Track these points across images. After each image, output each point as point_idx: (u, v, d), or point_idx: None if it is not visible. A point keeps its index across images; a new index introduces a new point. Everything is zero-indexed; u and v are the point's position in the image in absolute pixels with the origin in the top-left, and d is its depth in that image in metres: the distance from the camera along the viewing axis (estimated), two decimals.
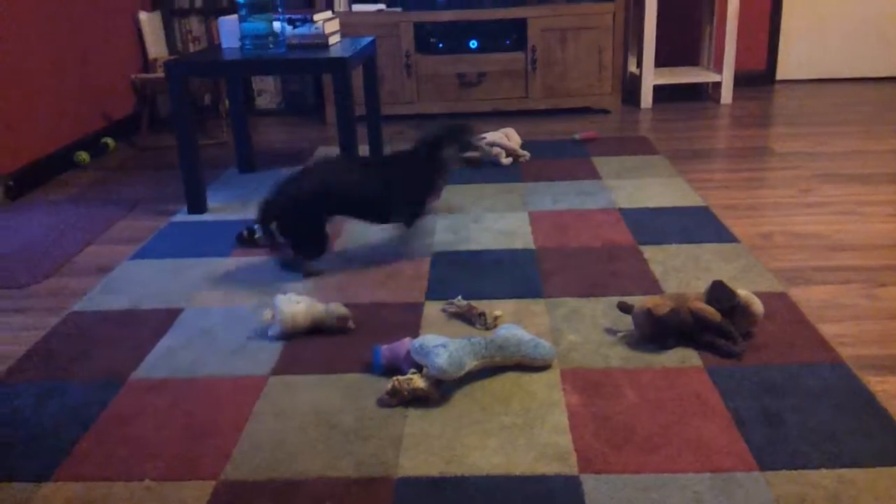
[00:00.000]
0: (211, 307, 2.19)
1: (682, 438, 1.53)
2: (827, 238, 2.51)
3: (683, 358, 1.82)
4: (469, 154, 2.60)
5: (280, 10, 2.87)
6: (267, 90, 4.73)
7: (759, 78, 4.95)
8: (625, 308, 1.93)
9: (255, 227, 2.58)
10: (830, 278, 2.22)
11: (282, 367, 1.86)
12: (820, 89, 4.78)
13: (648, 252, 2.43)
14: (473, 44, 4.29)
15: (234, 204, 3.05)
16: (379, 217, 2.46)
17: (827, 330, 1.92)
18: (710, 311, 1.83)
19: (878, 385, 1.69)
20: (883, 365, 1.77)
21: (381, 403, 1.69)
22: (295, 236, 2.35)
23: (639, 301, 1.93)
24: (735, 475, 1.42)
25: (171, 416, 1.68)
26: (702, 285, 2.13)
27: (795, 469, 1.43)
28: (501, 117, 4.32)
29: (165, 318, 2.13)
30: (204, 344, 1.99)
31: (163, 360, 1.91)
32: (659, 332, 1.85)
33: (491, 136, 3.46)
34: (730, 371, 1.75)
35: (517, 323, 1.99)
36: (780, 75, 4.99)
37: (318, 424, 1.63)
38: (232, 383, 1.80)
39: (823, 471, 1.42)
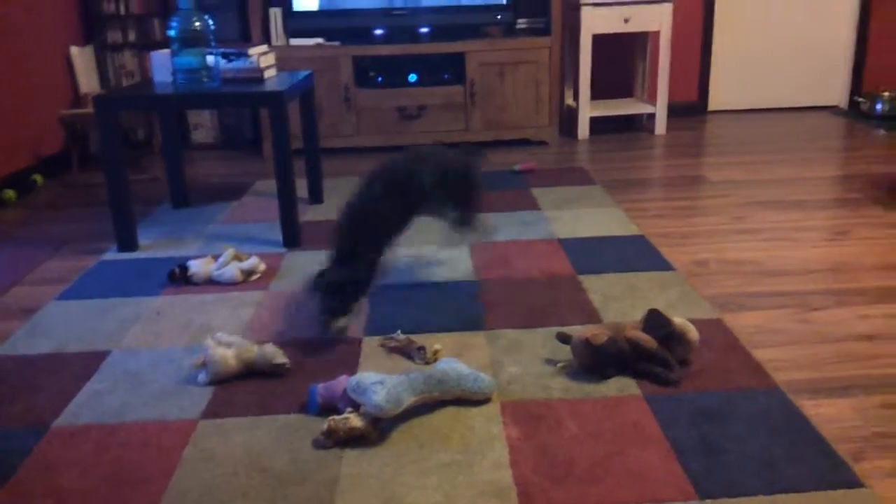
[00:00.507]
0: (139, 349, 2.11)
1: (622, 469, 1.52)
2: (760, 264, 2.56)
3: (623, 387, 1.81)
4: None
5: (214, 44, 2.83)
6: (203, 124, 4.65)
7: (691, 109, 5.09)
8: (564, 338, 1.92)
9: (189, 264, 2.51)
10: (764, 304, 2.26)
11: (212, 410, 1.79)
12: (750, 119, 4.93)
13: (587, 281, 2.44)
14: (413, 77, 4.31)
15: (165, 240, 2.97)
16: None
17: (761, 355, 1.95)
18: (647, 340, 1.84)
19: (812, 409, 1.71)
20: (816, 389, 1.79)
21: (317, 445, 1.64)
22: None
23: (578, 331, 1.92)
24: None
25: (97, 463, 1.60)
26: (639, 314, 2.14)
27: (733, 497, 1.42)
28: None
29: (91, 361, 2.04)
30: (131, 387, 1.91)
31: (88, 405, 1.83)
32: (598, 361, 1.85)
33: None
34: (668, 399, 1.76)
35: (457, 356, 1.97)
36: (711, 106, 5.14)
37: (250, 469, 1.57)
38: (160, 428, 1.72)
39: (761, 497, 1.42)
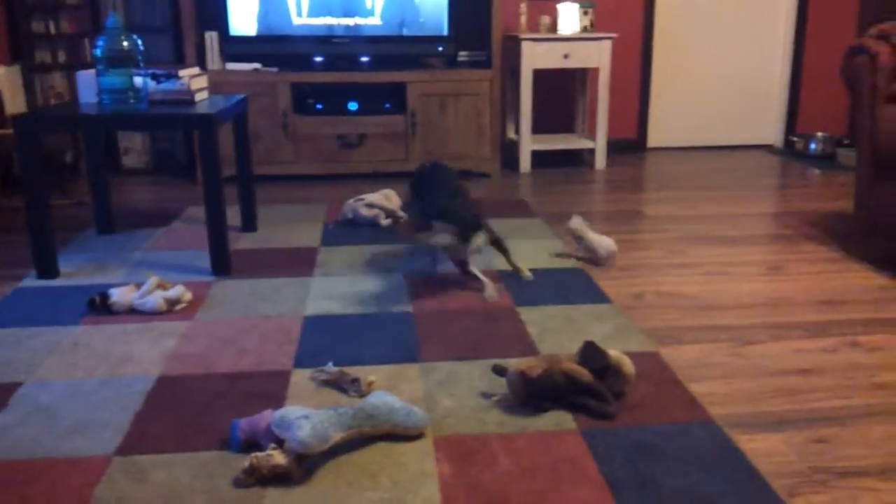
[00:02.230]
0: (53, 381, 1.97)
1: None
2: (697, 298, 2.56)
3: (559, 421, 1.77)
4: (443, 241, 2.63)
5: (142, 64, 2.74)
6: (134, 148, 4.51)
7: (631, 145, 5.16)
8: (499, 371, 1.87)
9: (110, 292, 2.39)
10: (700, 337, 2.25)
11: (128, 446, 1.68)
12: (688, 156, 5.02)
13: (525, 313, 2.40)
14: (353, 106, 4.26)
15: (88, 267, 2.83)
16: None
17: (697, 389, 1.93)
18: (582, 373, 1.80)
19: (747, 443, 1.69)
20: (751, 423, 1.78)
21: (238, 483, 1.55)
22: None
23: (514, 363, 1.87)
24: None
25: (4, 502, 1.48)
26: (576, 346, 2.11)
27: None
28: (382, 179, 4.28)
29: (1, 393, 1.90)
30: (42, 421, 1.78)
31: None
32: (533, 394, 1.80)
33: (370, 198, 3.41)
34: (603, 433, 1.72)
35: (391, 389, 1.90)
36: (650, 143, 5.22)
37: None
38: (71, 465, 1.60)
39: None
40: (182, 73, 2.82)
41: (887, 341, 2.22)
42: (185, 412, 1.82)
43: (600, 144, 4.60)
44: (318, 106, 4.25)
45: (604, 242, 2.87)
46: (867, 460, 1.63)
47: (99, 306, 2.40)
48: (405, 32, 4.26)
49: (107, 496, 1.51)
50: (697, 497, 1.49)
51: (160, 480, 1.55)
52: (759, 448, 1.67)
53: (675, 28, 5.07)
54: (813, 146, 4.95)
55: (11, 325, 2.33)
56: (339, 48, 4.24)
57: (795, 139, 5.07)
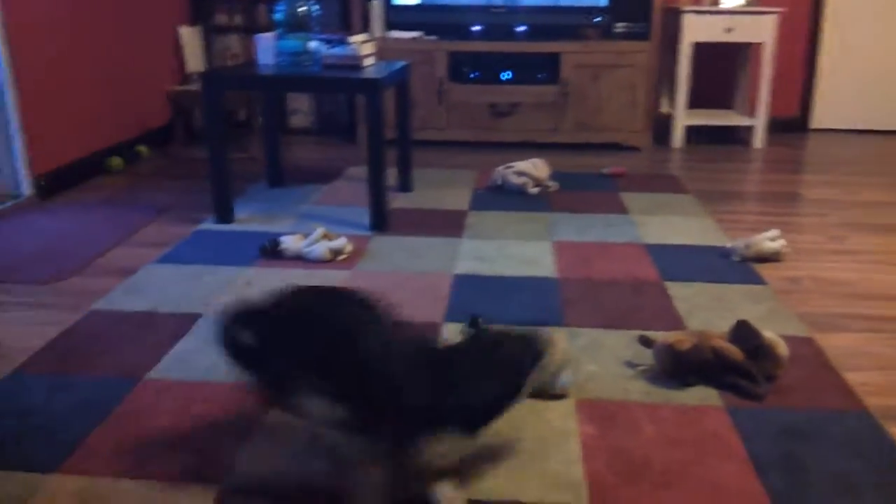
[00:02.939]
0: None
1: (698, 478, 1.49)
2: (855, 286, 2.46)
3: (704, 397, 1.78)
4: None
5: (317, 30, 2.91)
6: (301, 109, 4.78)
7: (791, 124, 4.92)
8: (646, 342, 1.90)
9: (280, 239, 2.59)
10: (857, 326, 2.17)
11: None
12: (855, 140, 4.73)
13: (673, 288, 2.39)
14: (506, 75, 4.32)
15: (260, 216, 3.07)
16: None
17: (852, 378, 1.88)
18: (734, 351, 1.80)
19: None
20: None
21: None
22: None
23: (661, 336, 1.90)
24: None
25: (183, 416, 1.67)
26: (725, 325, 2.09)
27: None
28: (531, 148, 4.32)
29: (183, 323, 2.13)
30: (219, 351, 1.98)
31: (178, 363, 1.91)
32: (679, 368, 1.82)
33: (519, 166, 3.47)
34: (751, 413, 1.71)
35: None
36: (813, 123, 4.96)
37: None
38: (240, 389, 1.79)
39: None
40: (352, 39, 2.96)
41: None
42: None
43: (760, 122, 4.42)
44: (473, 74, 4.33)
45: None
46: None
47: (270, 251, 2.61)
48: (562, 3, 4.25)
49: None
50: (845, 484, 1.47)
51: None
52: None
53: (847, 3, 4.75)
54: None
55: (192, 262, 2.58)
56: (497, 17, 4.29)
57: None
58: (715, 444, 1.60)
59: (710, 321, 2.17)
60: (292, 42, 2.89)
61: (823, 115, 4.95)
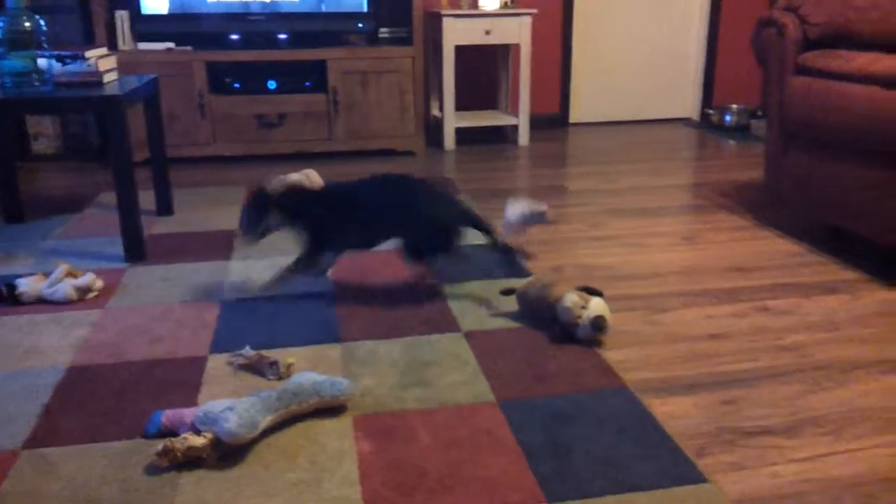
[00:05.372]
0: None
1: (474, 477, 1.49)
2: (613, 269, 2.62)
3: (477, 394, 1.79)
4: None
5: (46, 46, 2.63)
6: (44, 133, 4.33)
7: (554, 121, 5.22)
8: (507, 292, 2.24)
9: (17, 282, 2.30)
10: (616, 307, 2.30)
11: (36, 439, 1.62)
12: (609, 131, 5.11)
13: (448, 290, 2.41)
14: (272, 84, 4.19)
15: None
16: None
17: (612, 356, 1.98)
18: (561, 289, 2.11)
19: (659, 407, 1.74)
20: (663, 387, 1.83)
21: (151, 469, 1.52)
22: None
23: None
24: None
25: None
26: (495, 322, 2.14)
27: (581, 498, 1.42)
28: (304, 160, 4.23)
29: None
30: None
31: None
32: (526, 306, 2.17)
33: (291, 178, 3.36)
34: (520, 405, 1.74)
35: (312, 370, 1.88)
36: (572, 118, 5.29)
37: (76, 501, 1.42)
38: None
39: (608, 497, 1.42)
40: (89, 53, 2.71)
41: (794, 305, 2.32)
42: (97, 403, 1.77)
43: (523, 120, 4.63)
44: (236, 85, 4.15)
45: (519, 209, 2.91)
46: (773, 419, 1.70)
47: (6, 297, 2.31)
48: (324, 9, 4.20)
49: (14, 491, 1.46)
50: (609, 460, 1.53)
51: (70, 472, 1.51)
52: (671, 411, 1.72)
53: (594, 4, 5.12)
54: (728, 118, 5.09)
55: None
56: (256, 26, 4.14)
57: (711, 112, 5.21)
58: (488, 439, 1.61)
59: (482, 319, 2.20)
60: (17, 61, 2.60)
61: (580, 110, 5.30)
